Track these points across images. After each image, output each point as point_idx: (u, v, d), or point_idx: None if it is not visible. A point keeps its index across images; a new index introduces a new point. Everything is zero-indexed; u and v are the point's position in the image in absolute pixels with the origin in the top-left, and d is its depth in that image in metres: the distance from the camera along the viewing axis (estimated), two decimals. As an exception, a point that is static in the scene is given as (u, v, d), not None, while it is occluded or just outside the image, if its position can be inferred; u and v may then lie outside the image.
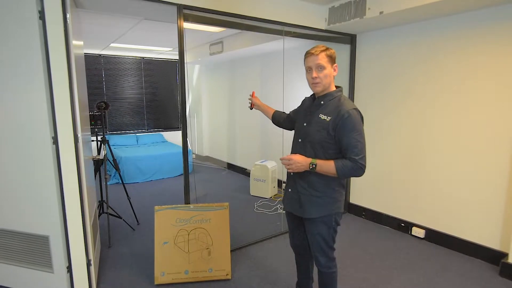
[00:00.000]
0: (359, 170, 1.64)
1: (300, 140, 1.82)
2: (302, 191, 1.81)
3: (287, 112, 2.22)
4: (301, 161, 1.69)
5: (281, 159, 1.75)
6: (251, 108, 2.42)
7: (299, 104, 2.05)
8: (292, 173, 1.84)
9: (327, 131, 1.69)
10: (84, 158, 2.33)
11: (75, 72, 2.10)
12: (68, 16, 2.02)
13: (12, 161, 2.15)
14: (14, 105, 2.07)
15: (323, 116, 1.73)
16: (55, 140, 2.07)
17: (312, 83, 1.73)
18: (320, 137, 1.72)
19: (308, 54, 1.72)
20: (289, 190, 1.90)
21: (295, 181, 1.85)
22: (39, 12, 1.94)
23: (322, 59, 1.67)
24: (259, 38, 4.22)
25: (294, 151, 1.86)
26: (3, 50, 2.01)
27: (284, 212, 2.06)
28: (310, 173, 1.76)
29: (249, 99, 2.39)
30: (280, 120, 2.22)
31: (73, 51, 2.09)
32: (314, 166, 1.68)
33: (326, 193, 1.78)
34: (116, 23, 3.90)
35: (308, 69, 1.73)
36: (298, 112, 1.99)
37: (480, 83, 2.75)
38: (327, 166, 1.68)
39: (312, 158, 1.72)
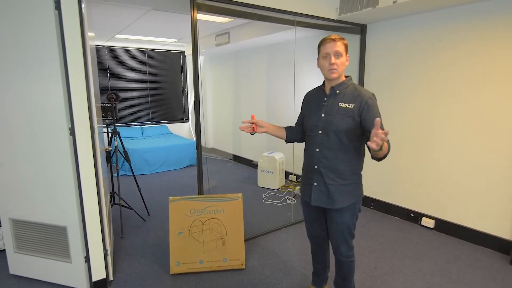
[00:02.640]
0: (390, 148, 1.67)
1: (320, 131, 1.79)
2: (331, 182, 1.80)
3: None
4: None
5: (380, 134, 1.47)
6: (253, 134, 1.98)
7: (302, 101, 2.03)
8: (316, 166, 1.82)
9: (353, 118, 1.72)
10: (99, 149, 2.34)
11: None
12: (83, 6, 2.00)
13: (29, 152, 2.16)
14: (31, 97, 2.07)
15: (344, 105, 1.74)
16: (72, 131, 2.08)
17: (329, 70, 1.73)
18: (346, 124, 1.73)
19: (327, 40, 1.72)
20: (315, 184, 1.85)
21: (321, 173, 1.81)
22: (55, 2, 1.92)
23: (340, 46, 1.70)
24: (266, 28, 4.19)
25: (313, 143, 1.82)
26: (19, 41, 1.99)
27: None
28: (338, 163, 1.76)
29: (249, 122, 1.95)
30: (298, 135, 2.06)
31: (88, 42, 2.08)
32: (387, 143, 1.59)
33: (353, 180, 1.82)
34: (123, 13, 3.87)
35: (325, 55, 1.72)
36: (308, 108, 1.94)
37: (495, 74, 2.74)
38: (386, 146, 1.60)
39: (337, 147, 1.74)
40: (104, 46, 6.31)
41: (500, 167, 2.78)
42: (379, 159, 1.65)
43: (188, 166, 5.97)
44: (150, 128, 6.89)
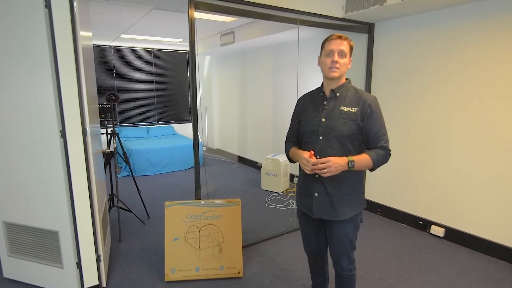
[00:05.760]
0: (389, 156, 1.66)
1: (321, 137, 1.66)
2: (334, 191, 1.68)
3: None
4: (339, 162, 1.53)
5: (314, 164, 1.53)
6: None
7: (296, 105, 1.87)
8: (317, 175, 1.67)
9: (356, 122, 1.62)
10: (93, 151, 2.28)
11: (83, 63, 2.03)
12: (75, 4, 1.93)
13: (20, 155, 2.10)
14: (21, 99, 2.01)
15: (346, 108, 1.64)
16: (63, 134, 2.01)
17: (330, 67, 1.62)
18: (350, 129, 1.62)
19: (333, 37, 1.62)
20: (316, 194, 1.72)
21: (323, 183, 1.69)
22: (45, 0, 1.86)
23: (346, 46, 1.61)
24: (271, 27, 4.08)
25: (313, 150, 1.66)
26: (9, 41, 1.94)
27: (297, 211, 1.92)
28: (341, 171, 1.59)
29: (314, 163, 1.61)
30: (298, 143, 1.88)
31: (81, 42, 2.01)
32: (353, 163, 1.56)
33: (357, 189, 1.72)
34: (126, 13, 3.82)
35: (329, 53, 1.62)
36: (305, 111, 1.78)
37: (510, 77, 2.57)
38: (363, 160, 1.59)
39: (339, 154, 1.62)
40: (110, 46, 6.31)
41: (515, 174, 2.61)
42: (370, 170, 1.66)
43: (192, 167, 5.89)
44: (156, 129, 6.86)
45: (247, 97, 5.97)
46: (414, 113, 3.25)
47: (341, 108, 1.65)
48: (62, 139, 2.02)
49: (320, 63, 1.69)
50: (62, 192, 2.09)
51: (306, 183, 1.78)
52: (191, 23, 2.37)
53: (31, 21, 1.89)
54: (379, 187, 3.70)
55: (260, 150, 5.61)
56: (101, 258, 2.28)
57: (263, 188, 4.63)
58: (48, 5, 1.87)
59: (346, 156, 1.60)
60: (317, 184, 1.71)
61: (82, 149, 2.09)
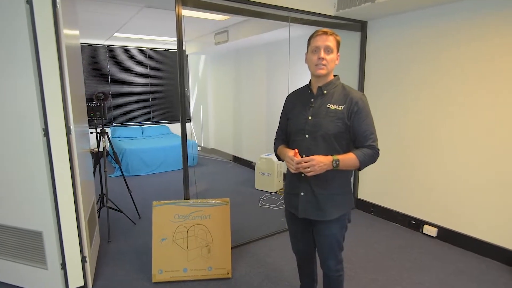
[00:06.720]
0: (377, 156, 1.61)
1: (307, 135, 1.63)
2: (320, 191, 1.64)
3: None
4: (324, 161, 1.51)
5: (298, 163, 1.52)
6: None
7: (285, 103, 1.84)
8: (303, 174, 1.63)
9: (343, 120, 1.58)
10: (80, 151, 2.25)
11: (68, 61, 1.99)
12: (58, 0, 1.89)
13: (2, 154, 2.06)
14: (2, 96, 1.97)
15: (333, 106, 1.60)
16: (46, 133, 1.98)
17: (317, 65, 1.58)
18: (336, 128, 1.58)
19: (318, 32, 1.58)
20: (302, 193, 1.69)
21: (309, 182, 1.65)
22: (26, -5, 1.82)
23: (332, 41, 1.57)
24: (264, 26, 4.05)
25: (299, 149, 1.63)
26: (-10, 37, 1.90)
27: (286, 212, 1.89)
28: (327, 171, 1.55)
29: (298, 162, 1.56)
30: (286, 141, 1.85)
31: (66, 39, 1.98)
32: (337, 163, 1.53)
33: (344, 189, 1.69)
34: (118, 11, 3.78)
35: (315, 49, 1.58)
36: (293, 109, 1.75)
37: (507, 75, 2.54)
38: (349, 159, 1.55)
39: (325, 153, 1.57)
40: (104, 45, 6.26)
41: (509, 174, 2.58)
42: (357, 169, 1.63)
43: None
44: (151, 128, 6.81)
45: (242, 97, 5.94)
46: (408, 112, 3.22)
47: (328, 106, 1.61)
48: (45, 138, 1.98)
49: (307, 60, 1.66)
50: (46, 192, 2.05)
51: (293, 182, 1.75)
52: (179, 20, 2.34)
53: (11, 17, 1.85)
54: (372, 186, 3.67)
55: (254, 150, 5.57)
56: (87, 259, 2.24)
57: (257, 188, 4.60)
58: (29, 1, 1.83)
59: (332, 155, 1.57)
60: (303, 183, 1.68)
61: (66, 148, 2.05)
